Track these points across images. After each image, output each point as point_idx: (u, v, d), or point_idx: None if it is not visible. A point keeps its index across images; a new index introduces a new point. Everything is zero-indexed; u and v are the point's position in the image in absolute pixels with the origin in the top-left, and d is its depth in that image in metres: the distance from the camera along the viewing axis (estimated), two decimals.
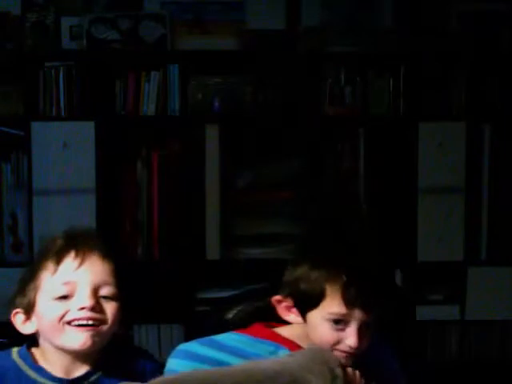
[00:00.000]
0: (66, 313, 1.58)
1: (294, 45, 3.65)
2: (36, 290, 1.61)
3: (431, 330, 3.69)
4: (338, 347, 1.58)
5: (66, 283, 1.59)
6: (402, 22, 3.67)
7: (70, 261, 1.60)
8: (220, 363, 1.59)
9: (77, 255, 1.60)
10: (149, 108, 3.59)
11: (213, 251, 3.59)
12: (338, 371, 1.49)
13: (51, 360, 1.62)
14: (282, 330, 1.66)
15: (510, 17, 3.66)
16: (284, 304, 1.66)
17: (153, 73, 3.59)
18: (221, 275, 3.60)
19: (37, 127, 3.53)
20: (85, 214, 3.52)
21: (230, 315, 1.79)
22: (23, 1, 3.62)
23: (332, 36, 3.65)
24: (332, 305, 1.58)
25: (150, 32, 3.64)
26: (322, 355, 1.51)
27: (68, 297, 1.58)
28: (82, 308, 1.57)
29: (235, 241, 3.63)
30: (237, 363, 1.57)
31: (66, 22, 3.63)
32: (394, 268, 3.55)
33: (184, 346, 1.65)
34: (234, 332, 1.66)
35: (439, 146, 3.57)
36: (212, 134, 3.57)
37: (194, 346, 1.64)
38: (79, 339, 1.57)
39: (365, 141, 3.62)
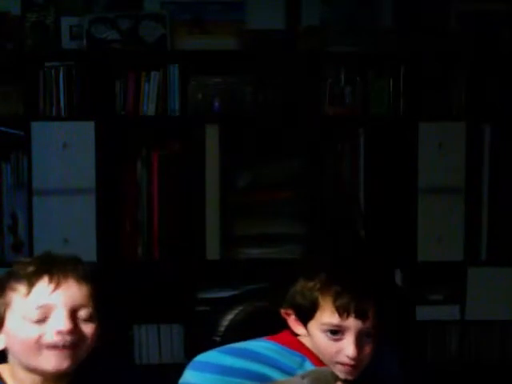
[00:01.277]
0: (42, 335, 1.52)
1: (294, 45, 3.65)
2: (5, 307, 1.56)
3: (431, 330, 3.69)
4: (338, 359, 1.57)
5: (40, 307, 1.53)
6: (401, 22, 3.66)
7: (44, 284, 1.54)
8: (250, 373, 1.55)
9: (51, 279, 1.55)
10: (149, 108, 3.59)
11: (213, 251, 3.59)
12: None
13: (20, 378, 1.56)
14: (307, 341, 1.65)
15: (510, 17, 3.66)
16: (292, 317, 1.66)
17: (153, 73, 3.58)
18: (221, 275, 3.60)
19: (37, 127, 3.53)
20: (85, 214, 3.52)
21: (230, 315, 1.78)
22: (23, 1, 3.62)
23: (332, 36, 3.65)
24: (325, 315, 1.59)
25: (150, 32, 3.64)
26: (325, 377, 1.49)
27: (43, 319, 1.53)
28: (59, 331, 1.52)
29: (235, 241, 3.63)
30: (271, 374, 1.53)
31: (66, 22, 3.62)
32: (394, 268, 3.55)
33: (202, 357, 1.59)
34: (262, 339, 1.64)
35: (439, 146, 3.57)
36: (212, 134, 3.57)
37: (215, 356, 1.59)
38: (55, 361, 1.52)
39: (365, 141, 3.62)
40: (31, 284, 1.54)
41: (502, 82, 3.62)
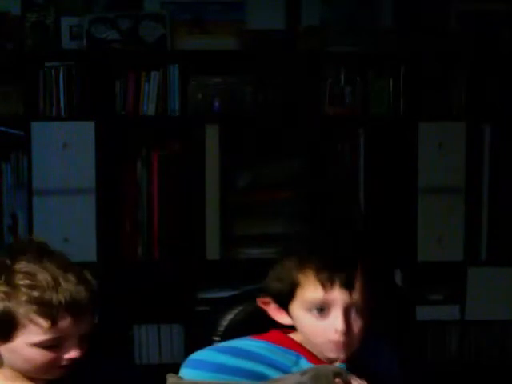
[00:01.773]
0: (54, 359, 1.53)
1: (294, 45, 3.65)
2: (17, 328, 1.52)
3: (431, 330, 3.69)
4: (326, 338, 1.50)
5: (58, 337, 1.52)
6: (401, 22, 3.67)
7: (64, 320, 1.52)
8: (246, 372, 1.51)
9: (72, 316, 1.52)
10: (149, 108, 3.59)
11: (213, 251, 3.59)
12: None
13: (6, 375, 1.58)
14: (296, 337, 1.59)
15: (510, 17, 3.66)
16: (272, 305, 1.60)
17: (153, 73, 3.59)
18: (221, 275, 3.60)
19: (37, 127, 3.53)
20: (85, 214, 3.52)
21: (230, 315, 1.77)
22: (23, 1, 3.62)
23: (332, 36, 3.65)
24: (307, 291, 1.52)
25: (150, 32, 3.64)
26: (324, 374, 1.47)
27: (56, 345, 1.54)
28: (72, 358, 1.55)
29: (235, 241, 3.63)
30: (266, 372, 1.51)
31: (66, 22, 3.63)
32: (394, 268, 3.55)
33: (197, 355, 1.55)
34: (252, 338, 1.59)
35: (439, 146, 3.57)
36: (212, 134, 3.57)
37: (210, 355, 1.55)
38: (58, 375, 1.56)
39: (365, 141, 3.62)
40: (54, 322, 1.51)
41: (501, 82, 3.62)
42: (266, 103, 3.62)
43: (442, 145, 3.57)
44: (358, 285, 1.51)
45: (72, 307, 1.52)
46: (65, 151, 3.52)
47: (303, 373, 1.47)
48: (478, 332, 3.69)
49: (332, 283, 1.50)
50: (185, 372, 1.54)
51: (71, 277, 1.55)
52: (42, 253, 1.58)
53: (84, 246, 3.47)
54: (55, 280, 1.52)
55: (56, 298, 1.51)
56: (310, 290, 1.52)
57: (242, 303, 1.77)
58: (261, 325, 1.64)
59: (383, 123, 3.65)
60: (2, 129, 3.58)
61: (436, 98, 3.62)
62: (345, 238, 1.61)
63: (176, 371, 1.61)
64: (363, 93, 3.62)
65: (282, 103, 3.62)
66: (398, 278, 3.57)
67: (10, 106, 3.59)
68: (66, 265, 1.57)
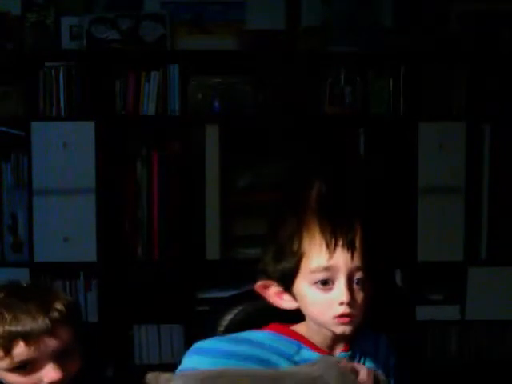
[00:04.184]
0: (33, 382, 1.61)
1: (294, 45, 3.65)
2: None
3: (431, 330, 3.69)
4: (332, 313, 1.48)
5: (22, 361, 1.60)
6: (401, 22, 3.67)
7: (21, 348, 1.60)
8: (252, 357, 1.50)
9: (27, 343, 1.60)
10: (149, 108, 3.59)
11: (213, 251, 3.59)
12: (352, 377, 1.46)
13: None
14: (297, 328, 1.58)
15: (510, 17, 3.66)
16: (272, 290, 1.57)
17: (153, 73, 3.59)
18: (221, 275, 3.60)
19: (37, 127, 3.53)
20: (85, 214, 3.52)
21: (230, 315, 1.77)
22: (23, 1, 3.63)
23: (332, 36, 3.65)
24: (312, 258, 1.49)
25: (150, 32, 3.64)
26: (334, 364, 1.47)
27: (29, 368, 1.60)
28: (53, 381, 1.61)
29: (235, 241, 3.63)
30: (273, 359, 1.51)
31: (66, 22, 3.63)
32: (394, 268, 3.55)
33: (200, 344, 1.55)
34: (254, 330, 1.58)
35: (439, 146, 3.57)
36: (212, 134, 3.57)
37: (213, 343, 1.55)
38: None
39: (365, 141, 3.62)
40: (7, 350, 1.59)
41: (501, 82, 3.62)
42: (265, 103, 3.63)
43: (442, 145, 3.58)
44: (359, 247, 1.50)
45: (27, 336, 1.59)
46: (65, 151, 3.52)
47: (311, 364, 1.48)
48: (478, 332, 3.69)
49: (335, 243, 1.48)
50: (188, 359, 1.53)
51: (32, 307, 1.62)
52: (4, 289, 1.69)
53: (84, 245, 3.47)
54: (10, 313, 1.61)
55: (6, 329, 1.60)
56: (315, 256, 1.49)
57: (241, 303, 1.76)
58: (261, 325, 1.64)
59: (383, 123, 3.65)
60: (2, 129, 3.58)
61: (436, 97, 3.62)
62: (345, 199, 1.58)
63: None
64: (363, 93, 3.62)
65: (281, 103, 3.62)
66: (398, 277, 3.57)
67: (10, 105, 3.59)
68: (27, 297, 1.66)
